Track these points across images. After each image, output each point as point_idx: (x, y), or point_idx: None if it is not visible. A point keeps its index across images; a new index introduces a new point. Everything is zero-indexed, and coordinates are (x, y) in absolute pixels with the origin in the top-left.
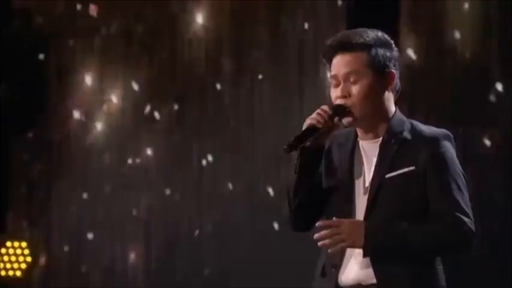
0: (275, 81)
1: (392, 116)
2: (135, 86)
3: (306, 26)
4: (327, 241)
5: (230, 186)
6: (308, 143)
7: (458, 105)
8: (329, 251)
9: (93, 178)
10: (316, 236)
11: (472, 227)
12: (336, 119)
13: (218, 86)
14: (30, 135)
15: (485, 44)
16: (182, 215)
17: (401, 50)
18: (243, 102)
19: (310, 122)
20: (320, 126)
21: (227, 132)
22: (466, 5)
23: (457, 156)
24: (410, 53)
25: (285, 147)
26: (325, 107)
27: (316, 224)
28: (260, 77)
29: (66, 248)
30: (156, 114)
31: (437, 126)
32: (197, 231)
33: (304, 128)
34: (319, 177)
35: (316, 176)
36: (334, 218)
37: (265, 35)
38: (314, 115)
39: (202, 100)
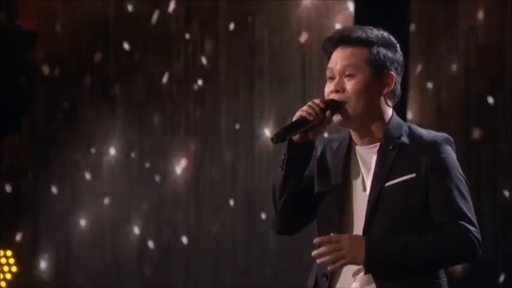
0: (279, 84)
1: (389, 120)
2: None
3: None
4: (326, 258)
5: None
6: (297, 136)
7: None
8: (329, 268)
9: (82, 184)
10: (314, 253)
11: (478, 235)
12: (328, 112)
13: None
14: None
15: None
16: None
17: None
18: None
19: (300, 114)
20: (311, 118)
21: None
22: None
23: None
24: None
25: (272, 136)
26: (317, 100)
27: (314, 241)
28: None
29: (53, 254)
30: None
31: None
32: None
33: (294, 119)
34: (308, 180)
35: (305, 176)
36: (332, 234)
37: None
38: (305, 107)
39: None
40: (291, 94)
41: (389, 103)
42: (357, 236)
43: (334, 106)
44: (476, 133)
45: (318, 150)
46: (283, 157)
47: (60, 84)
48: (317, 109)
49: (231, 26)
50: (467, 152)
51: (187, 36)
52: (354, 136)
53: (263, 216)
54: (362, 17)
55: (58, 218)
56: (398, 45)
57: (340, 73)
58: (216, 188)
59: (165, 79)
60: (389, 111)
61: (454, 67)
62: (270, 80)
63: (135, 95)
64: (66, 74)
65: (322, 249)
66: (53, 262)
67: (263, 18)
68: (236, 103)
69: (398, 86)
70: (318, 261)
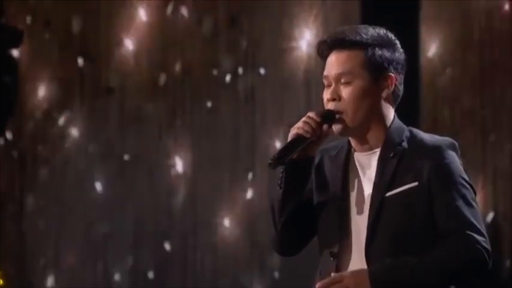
0: (281, 85)
1: (390, 124)
2: None
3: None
4: None
5: None
6: (294, 155)
7: None
8: None
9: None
10: None
11: (486, 245)
12: (325, 126)
13: None
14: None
15: None
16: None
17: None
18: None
19: (296, 132)
20: (308, 136)
21: None
22: None
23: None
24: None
25: (269, 161)
26: (311, 114)
27: (317, 286)
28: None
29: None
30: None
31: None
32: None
33: (289, 139)
34: (308, 194)
35: (304, 192)
36: (332, 274)
37: None
38: (300, 124)
39: None
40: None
41: (391, 105)
42: (359, 271)
43: (331, 117)
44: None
45: (316, 160)
46: (280, 175)
47: None
48: (313, 124)
49: None
50: None
51: None
52: (353, 142)
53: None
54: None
55: (46, 226)
56: (397, 42)
57: (335, 80)
58: None
59: None
60: (390, 115)
61: None
62: None
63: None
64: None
65: None
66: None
67: None
68: None
69: (400, 87)
70: None
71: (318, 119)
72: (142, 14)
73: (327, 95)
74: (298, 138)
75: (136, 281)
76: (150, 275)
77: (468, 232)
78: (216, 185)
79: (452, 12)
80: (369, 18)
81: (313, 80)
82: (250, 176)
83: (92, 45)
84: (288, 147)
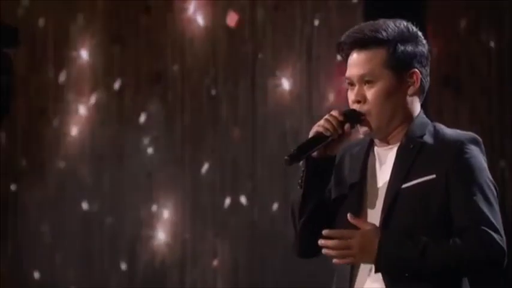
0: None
1: (414, 119)
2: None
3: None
4: (332, 252)
5: None
6: (315, 153)
7: None
8: (334, 261)
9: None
10: (321, 242)
11: (502, 243)
12: (347, 126)
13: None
14: None
15: None
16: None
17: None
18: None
19: (316, 130)
20: (328, 134)
21: None
22: None
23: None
24: None
25: (286, 157)
26: (335, 112)
27: (323, 232)
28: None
29: (36, 275)
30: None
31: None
32: None
33: (310, 136)
34: (328, 195)
35: (325, 192)
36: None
37: None
38: (322, 121)
39: None
40: None
41: (418, 101)
42: (370, 233)
43: (355, 118)
44: None
45: (338, 157)
46: (301, 174)
47: None
48: (335, 123)
49: None
50: None
51: None
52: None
53: None
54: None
55: (42, 231)
56: (419, 34)
57: (358, 81)
58: None
59: None
60: (416, 109)
61: None
62: None
63: None
64: None
65: (330, 243)
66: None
67: None
68: None
69: (426, 79)
70: (323, 251)
71: (341, 118)
72: None
73: (351, 96)
74: (318, 136)
75: None
76: None
77: (484, 228)
78: None
79: None
80: None
81: None
82: None
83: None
84: (306, 145)
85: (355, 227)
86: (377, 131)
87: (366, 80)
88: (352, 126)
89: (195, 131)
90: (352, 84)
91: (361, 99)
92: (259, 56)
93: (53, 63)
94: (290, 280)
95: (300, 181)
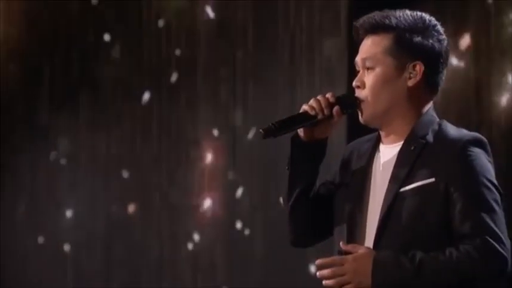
0: (264, 83)
1: (420, 117)
2: None
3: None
4: (330, 282)
5: None
6: (302, 134)
7: None
8: None
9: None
10: (318, 274)
11: (504, 251)
12: (336, 108)
13: None
14: None
15: None
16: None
17: None
18: None
19: (303, 108)
20: (312, 113)
21: None
22: None
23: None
24: None
25: (260, 130)
26: (328, 94)
27: (316, 262)
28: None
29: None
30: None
31: None
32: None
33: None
34: (328, 186)
35: (315, 177)
36: (341, 247)
37: None
38: (311, 101)
39: None
40: None
41: (422, 96)
42: (363, 256)
43: (348, 102)
44: None
45: (345, 154)
46: (289, 155)
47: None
48: (324, 103)
49: None
50: None
51: None
52: (381, 134)
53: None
54: None
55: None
56: (436, 28)
57: (362, 66)
58: None
59: None
60: (421, 106)
61: None
62: None
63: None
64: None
65: (325, 272)
66: None
67: None
68: None
69: (436, 76)
70: (324, 283)
71: (332, 99)
72: None
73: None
74: (302, 114)
75: None
76: None
77: (485, 237)
78: None
79: None
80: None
81: None
82: None
83: None
84: (287, 121)
85: (355, 230)
86: (371, 118)
87: (367, 65)
88: (344, 111)
89: None
90: (358, 69)
91: (361, 85)
92: None
93: None
94: None
95: (287, 163)
